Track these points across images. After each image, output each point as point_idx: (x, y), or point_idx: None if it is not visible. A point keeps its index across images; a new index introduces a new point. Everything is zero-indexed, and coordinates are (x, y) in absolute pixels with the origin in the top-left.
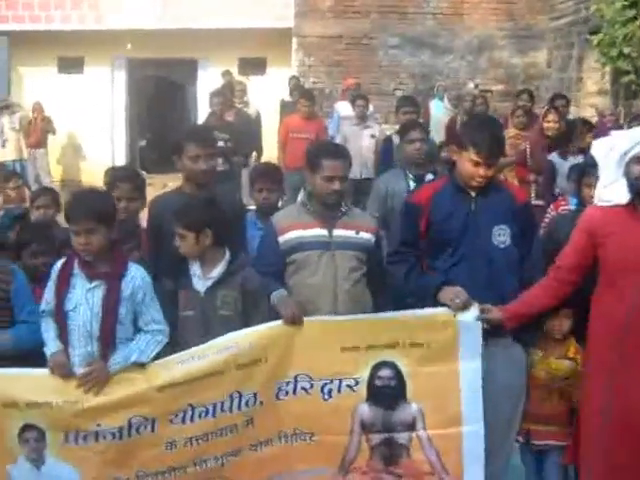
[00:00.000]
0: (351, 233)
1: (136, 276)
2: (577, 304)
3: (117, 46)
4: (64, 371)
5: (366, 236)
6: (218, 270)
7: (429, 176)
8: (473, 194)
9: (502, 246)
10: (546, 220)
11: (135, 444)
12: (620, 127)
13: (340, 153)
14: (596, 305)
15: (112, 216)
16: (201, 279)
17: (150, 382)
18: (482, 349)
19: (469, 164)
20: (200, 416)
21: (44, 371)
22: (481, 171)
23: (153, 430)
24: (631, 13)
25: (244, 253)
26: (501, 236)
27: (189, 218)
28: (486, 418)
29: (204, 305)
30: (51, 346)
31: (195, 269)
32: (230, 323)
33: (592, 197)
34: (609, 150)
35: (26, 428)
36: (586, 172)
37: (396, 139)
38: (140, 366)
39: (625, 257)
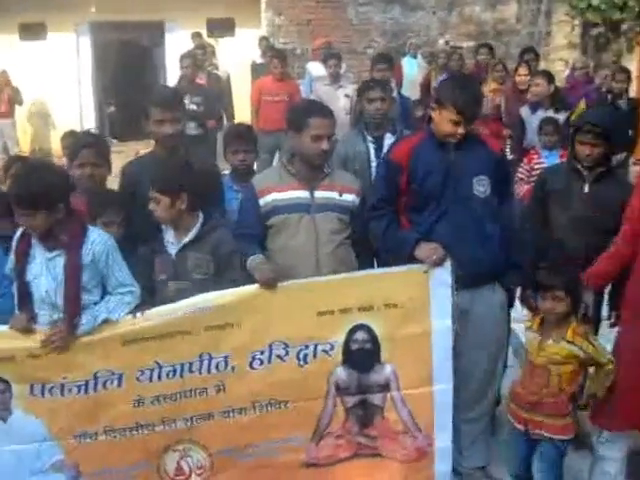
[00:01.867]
0: (334, 194)
1: (96, 241)
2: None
3: (80, 10)
4: (22, 325)
5: (350, 197)
6: (191, 235)
7: (388, 136)
8: (451, 147)
9: (483, 196)
10: (519, 175)
11: (102, 399)
12: (591, 80)
13: (327, 111)
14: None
15: (54, 198)
16: (174, 245)
17: (112, 330)
18: (466, 295)
19: (448, 123)
20: (168, 375)
21: (5, 327)
22: (460, 129)
23: (120, 386)
24: None
25: (221, 217)
26: (481, 186)
27: (165, 182)
28: (469, 363)
29: (176, 268)
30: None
31: (169, 236)
32: (203, 286)
33: (586, 155)
34: None
35: None
36: (580, 129)
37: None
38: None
39: None
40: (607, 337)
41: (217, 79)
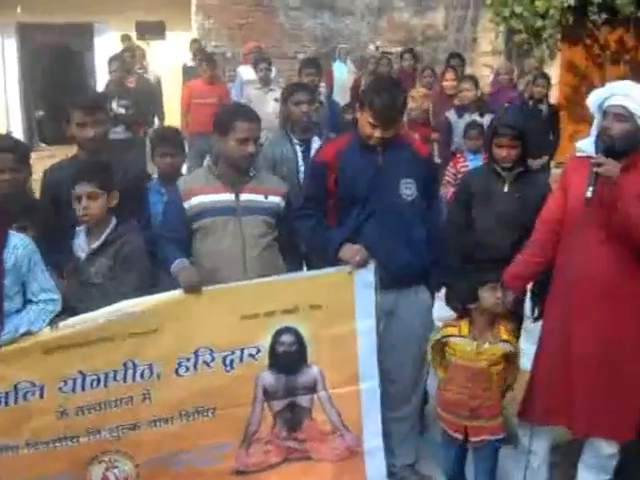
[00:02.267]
0: (260, 197)
1: (18, 245)
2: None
3: (6, 11)
4: None
5: (276, 200)
6: (101, 239)
7: (316, 139)
8: (379, 149)
9: (409, 199)
10: (446, 178)
11: (23, 411)
12: (515, 85)
13: (253, 115)
14: (557, 256)
15: None
16: (84, 250)
17: (33, 340)
18: (391, 296)
19: (367, 125)
20: (92, 385)
21: None
22: (377, 133)
23: (42, 397)
24: None
25: (146, 222)
26: (408, 189)
27: (104, 177)
28: (395, 364)
29: (81, 274)
30: None
31: (80, 241)
32: (105, 292)
33: (503, 157)
34: (593, 101)
35: None
36: (497, 132)
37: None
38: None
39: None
40: (532, 333)
41: (146, 82)
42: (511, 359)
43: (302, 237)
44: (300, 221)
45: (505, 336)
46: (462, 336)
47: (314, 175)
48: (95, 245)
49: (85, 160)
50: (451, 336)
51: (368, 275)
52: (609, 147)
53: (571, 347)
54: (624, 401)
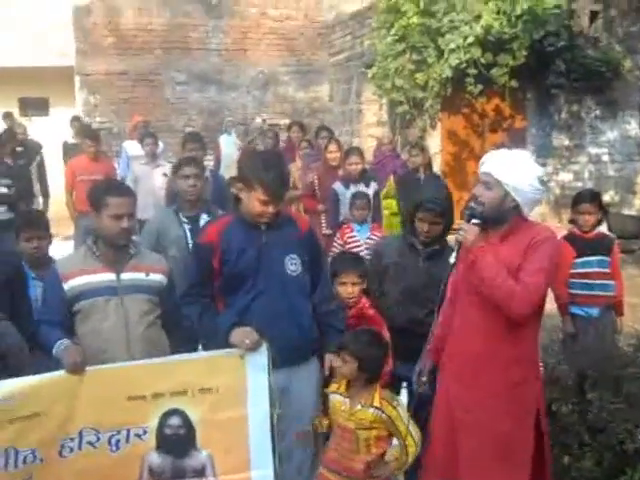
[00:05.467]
0: (141, 275)
1: None
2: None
3: None
4: None
5: (157, 277)
6: None
7: (204, 217)
8: (263, 227)
9: (295, 274)
10: (334, 249)
11: None
12: (398, 155)
13: (125, 190)
14: None
15: None
16: None
17: None
18: (284, 372)
19: (257, 203)
20: None
21: None
22: (270, 209)
23: None
24: (401, 47)
25: (28, 307)
26: (293, 265)
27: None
28: (289, 444)
29: None
30: None
31: None
32: None
33: (426, 232)
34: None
35: None
36: (422, 206)
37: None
38: None
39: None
40: None
41: (28, 158)
42: (390, 428)
43: (191, 324)
44: (187, 308)
45: (377, 403)
46: (340, 394)
47: (198, 257)
48: None
49: None
50: (332, 392)
51: (261, 358)
52: (471, 214)
53: (454, 421)
54: (503, 466)
